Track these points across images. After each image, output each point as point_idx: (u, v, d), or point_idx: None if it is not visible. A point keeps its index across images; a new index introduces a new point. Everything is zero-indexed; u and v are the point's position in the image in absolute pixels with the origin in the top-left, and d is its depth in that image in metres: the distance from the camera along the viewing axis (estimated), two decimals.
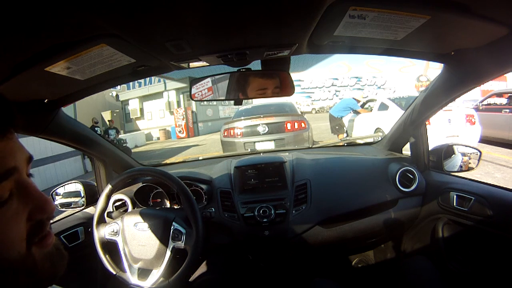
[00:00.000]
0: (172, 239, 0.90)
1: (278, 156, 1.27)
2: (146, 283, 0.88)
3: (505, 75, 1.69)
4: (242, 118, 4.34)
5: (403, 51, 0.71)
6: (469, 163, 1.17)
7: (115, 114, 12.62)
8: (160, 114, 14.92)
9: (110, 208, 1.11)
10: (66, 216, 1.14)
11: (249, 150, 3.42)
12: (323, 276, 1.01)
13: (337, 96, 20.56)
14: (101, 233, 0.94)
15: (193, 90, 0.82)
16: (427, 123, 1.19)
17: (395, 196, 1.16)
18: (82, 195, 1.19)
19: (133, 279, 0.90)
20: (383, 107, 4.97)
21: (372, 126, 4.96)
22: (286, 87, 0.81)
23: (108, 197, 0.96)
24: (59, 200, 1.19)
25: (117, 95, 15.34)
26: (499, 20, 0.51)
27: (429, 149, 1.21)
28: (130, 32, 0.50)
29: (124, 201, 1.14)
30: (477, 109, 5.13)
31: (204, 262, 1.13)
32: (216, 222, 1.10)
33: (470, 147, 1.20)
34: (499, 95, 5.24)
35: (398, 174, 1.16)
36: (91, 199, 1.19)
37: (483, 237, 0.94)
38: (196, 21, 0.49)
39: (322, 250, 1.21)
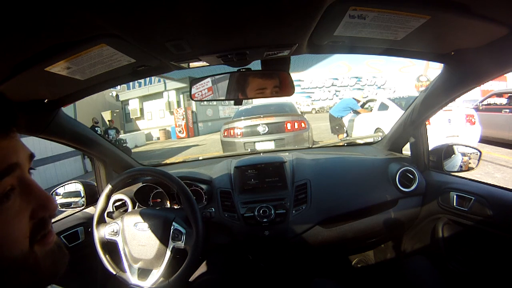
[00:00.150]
0: (172, 239, 0.90)
1: (278, 156, 1.27)
2: (146, 283, 0.88)
3: (505, 75, 1.69)
4: (242, 118, 4.34)
5: (403, 51, 0.71)
6: (469, 163, 1.17)
7: (115, 114, 12.62)
8: (160, 114, 14.92)
9: (110, 208, 1.11)
10: (66, 216, 1.14)
11: (249, 150, 3.42)
12: (323, 276, 1.01)
13: (337, 96, 20.55)
14: (101, 233, 0.94)
15: (193, 90, 0.82)
16: (427, 123, 1.19)
17: (395, 196, 1.16)
18: (82, 195, 1.19)
19: (133, 279, 0.90)
20: (383, 107, 4.97)
21: (372, 126, 4.96)
22: (286, 87, 0.81)
23: (108, 197, 0.96)
24: (59, 200, 1.19)
25: (117, 95, 15.34)
26: (499, 20, 0.51)
27: (429, 149, 1.21)
28: (130, 32, 0.50)
29: (124, 201, 1.14)
30: (477, 109, 5.13)
31: (204, 262, 1.13)
32: (216, 222, 1.10)
33: (470, 147, 1.20)
34: (499, 95, 5.24)
35: (398, 174, 1.16)
36: (91, 199, 1.19)
37: (483, 237, 0.94)
38: (196, 21, 0.49)
39: (322, 250, 1.21)
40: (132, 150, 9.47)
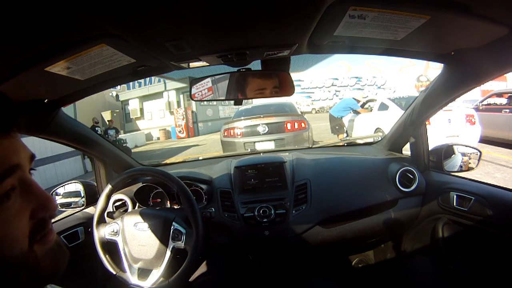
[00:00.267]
0: (172, 239, 0.90)
1: (278, 156, 1.27)
2: (146, 283, 0.88)
3: (505, 75, 1.69)
4: (242, 118, 4.34)
5: (403, 51, 0.71)
6: (469, 163, 1.17)
7: (115, 114, 12.62)
8: (160, 114, 14.92)
9: (110, 208, 1.11)
10: (66, 216, 1.14)
11: (249, 150, 3.42)
12: (323, 276, 1.01)
13: (337, 96, 20.54)
14: (101, 233, 0.94)
15: (193, 90, 0.82)
16: (427, 123, 1.19)
17: (395, 196, 1.15)
18: (82, 195, 1.19)
19: (133, 279, 0.90)
20: (383, 107, 4.97)
21: (372, 126, 4.96)
22: (286, 87, 0.80)
23: (108, 197, 0.96)
24: (59, 200, 1.19)
25: (117, 95, 15.33)
26: (499, 20, 0.51)
27: (429, 149, 1.21)
28: (130, 32, 0.50)
29: (124, 201, 1.14)
30: (477, 109, 5.13)
31: (204, 262, 1.13)
32: (216, 222, 1.10)
33: (470, 147, 1.20)
34: (499, 95, 5.24)
35: (398, 174, 1.16)
36: (91, 199, 1.19)
37: (483, 237, 0.94)
38: (196, 21, 0.49)
39: (322, 250, 1.21)
40: (132, 150, 9.47)
